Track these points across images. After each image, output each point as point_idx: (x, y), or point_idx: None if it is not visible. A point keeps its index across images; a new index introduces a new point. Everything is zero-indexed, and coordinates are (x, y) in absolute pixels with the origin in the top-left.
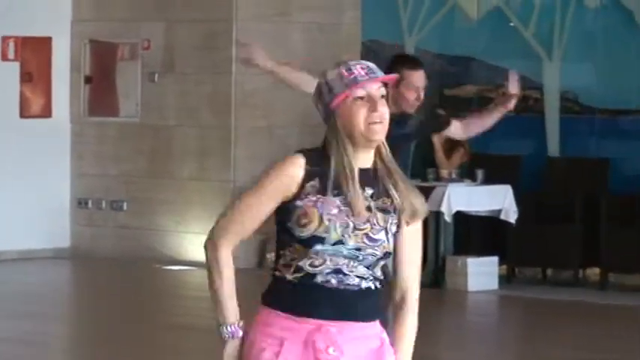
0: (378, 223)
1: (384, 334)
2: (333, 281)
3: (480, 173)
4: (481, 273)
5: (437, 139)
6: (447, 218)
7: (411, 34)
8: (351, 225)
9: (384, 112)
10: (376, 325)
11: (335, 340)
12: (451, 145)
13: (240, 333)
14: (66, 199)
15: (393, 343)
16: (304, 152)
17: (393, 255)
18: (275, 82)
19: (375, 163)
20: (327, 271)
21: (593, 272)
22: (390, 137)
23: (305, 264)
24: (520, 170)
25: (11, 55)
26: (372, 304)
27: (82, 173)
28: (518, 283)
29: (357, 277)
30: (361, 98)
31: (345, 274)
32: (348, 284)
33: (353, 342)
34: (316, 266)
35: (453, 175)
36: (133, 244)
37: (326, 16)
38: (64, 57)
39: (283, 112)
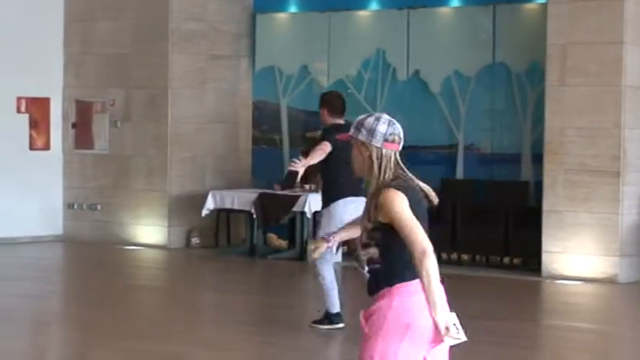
0: None
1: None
2: None
3: None
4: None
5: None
6: (309, 215)
7: (284, 96)
8: None
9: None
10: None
11: None
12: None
13: None
14: (60, 203)
15: None
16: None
17: None
18: None
19: None
20: None
21: None
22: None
23: None
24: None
25: (23, 109)
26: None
27: (71, 186)
28: (354, 258)
29: None
30: None
31: None
32: None
33: None
34: None
35: (312, 188)
36: (104, 233)
37: (230, 84)
38: (58, 110)
39: (201, 147)
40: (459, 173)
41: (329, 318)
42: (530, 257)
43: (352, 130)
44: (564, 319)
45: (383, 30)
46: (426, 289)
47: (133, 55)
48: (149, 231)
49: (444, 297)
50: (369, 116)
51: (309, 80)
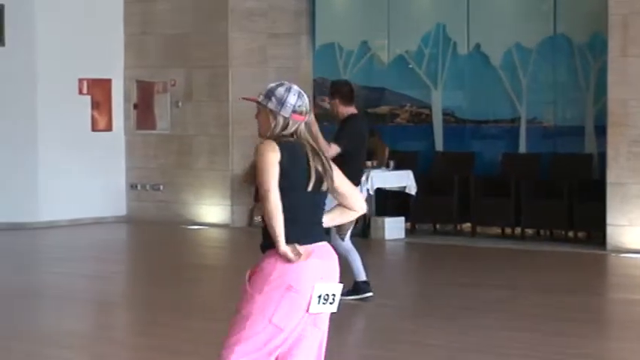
0: None
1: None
2: None
3: (392, 163)
4: (394, 227)
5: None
6: (371, 192)
7: (345, 72)
8: None
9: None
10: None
11: None
12: (378, 145)
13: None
14: (123, 183)
15: None
16: None
17: None
18: None
19: None
20: None
21: (467, 226)
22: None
23: None
24: (418, 160)
25: (85, 90)
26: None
27: (133, 167)
28: (417, 234)
29: None
30: None
31: None
32: None
33: None
34: None
35: (374, 164)
36: (167, 213)
37: (290, 62)
38: (119, 91)
39: None
40: (522, 147)
41: (357, 287)
42: (594, 230)
43: (261, 97)
44: (630, 293)
45: (443, 4)
46: (267, 227)
47: (193, 35)
48: (212, 210)
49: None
50: (279, 85)
51: (370, 56)
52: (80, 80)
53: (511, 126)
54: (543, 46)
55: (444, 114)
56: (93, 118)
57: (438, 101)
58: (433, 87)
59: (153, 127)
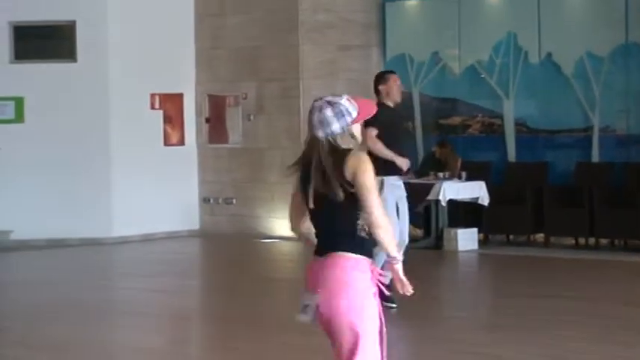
0: None
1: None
2: None
3: (464, 174)
4: (466, 238)
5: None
6: (443, 204)
7: (416, 84)
8: None
9: None
10: None
11: None
12: (450, 156)
13: None
14: (195, 197)
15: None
16: None
17: None
18: None
19: None
20: None
21: (540, 236)
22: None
23: None
24: (490, 171)
25: (157, 105)
26: None
27: (206, 181)
28: (490, 244)
29: None
30: None
31: None
32: None
33: None
34: None
35: (446, 176)
36: (240, 226)
37: (361, 74)
38: (191, 106)
39: None
40: (595, 156)
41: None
42: None
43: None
44: None
45: (513, 13)
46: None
47: (264, 48)
48: (285, 223)
49: None
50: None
51: (441, 67)
52: (152, 95)
53: (584, 135)
54: (615, 54)
55: (516, 124)
56: (165, 132)
57: (509, 111)
58: (505, 97)
59: (225, 140)
